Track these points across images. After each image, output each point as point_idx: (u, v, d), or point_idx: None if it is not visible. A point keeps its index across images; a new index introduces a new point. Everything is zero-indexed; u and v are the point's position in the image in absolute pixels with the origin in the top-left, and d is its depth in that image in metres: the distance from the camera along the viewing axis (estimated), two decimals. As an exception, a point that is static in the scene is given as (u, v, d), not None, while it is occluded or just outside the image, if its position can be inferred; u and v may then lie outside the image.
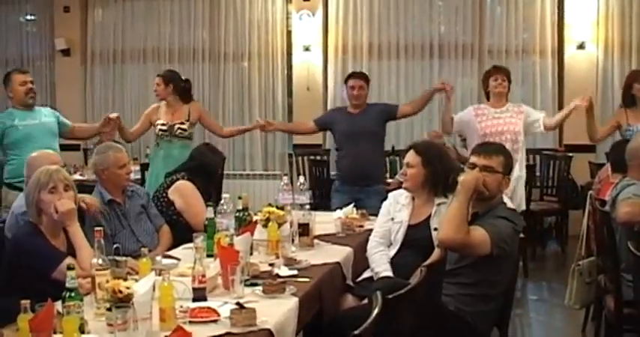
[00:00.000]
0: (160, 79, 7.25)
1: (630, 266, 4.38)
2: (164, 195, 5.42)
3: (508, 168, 4.01)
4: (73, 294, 2.91)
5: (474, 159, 4.07)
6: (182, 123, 7.13)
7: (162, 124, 7.14)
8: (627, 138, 6.01)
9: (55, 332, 2.78)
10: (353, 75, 7.27)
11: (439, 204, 4.54)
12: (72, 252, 3.89)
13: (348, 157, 6.97)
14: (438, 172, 4.55)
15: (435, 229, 4.36)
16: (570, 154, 8.65)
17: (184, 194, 5.41)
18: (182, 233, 5.02)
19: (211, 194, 5.57)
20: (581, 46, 9.60)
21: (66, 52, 10.87)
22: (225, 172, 9.07)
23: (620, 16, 9.54)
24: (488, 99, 6.85)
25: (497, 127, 6.61)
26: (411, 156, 4.63)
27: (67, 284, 2.92)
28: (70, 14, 10.89)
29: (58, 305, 2.91)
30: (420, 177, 4.60)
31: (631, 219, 4.42)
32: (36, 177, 3.99)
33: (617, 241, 4.56)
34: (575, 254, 5.46)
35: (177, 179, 5.50)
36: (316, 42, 10.16)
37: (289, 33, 10.38)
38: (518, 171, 6.38)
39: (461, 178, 3.91)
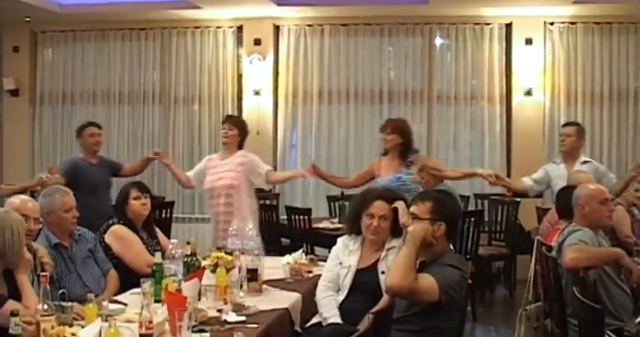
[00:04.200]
0: None
1: (576, 312, 4.42)
2: (101, 240, 5.31)
3: (439, 215, 3.94)
4: (16, 341, 2.87)
5: None
6: None
7: None
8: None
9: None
10: (90, 123, 7.44)
11: (388, 249, 4.56)
12: (12, 296, 3.81)
13: (93, 208, 6.20)
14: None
15: (383, 273, 4.38)
16: (518, 199, 8.72)
17: (119, 237, 5.36)
18: (125, 276, 5.00)
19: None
20: (528, 93, 9.78)
21: (14, 93, 10.76)
22: (174, 215, 9.03)
23: (566, 64, 9.79)
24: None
25: (214, 183, 6.68)
26: (385, 208, 4.63)
27: (11, 331, 2.88)
28: (20, 54, 10.81)
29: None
30: (390, 226, 4.63)
31: (577, 264, 4.49)
32: (18, 223, 3.91)
33: (563, 286, 4.62)
34: (522, 298, 5.52)
35: (113, 223, 5.43)
36: (267, 86, 10.20)
37: (240, 77, 10.41)
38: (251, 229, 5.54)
39: (410, 228, 3.92)
